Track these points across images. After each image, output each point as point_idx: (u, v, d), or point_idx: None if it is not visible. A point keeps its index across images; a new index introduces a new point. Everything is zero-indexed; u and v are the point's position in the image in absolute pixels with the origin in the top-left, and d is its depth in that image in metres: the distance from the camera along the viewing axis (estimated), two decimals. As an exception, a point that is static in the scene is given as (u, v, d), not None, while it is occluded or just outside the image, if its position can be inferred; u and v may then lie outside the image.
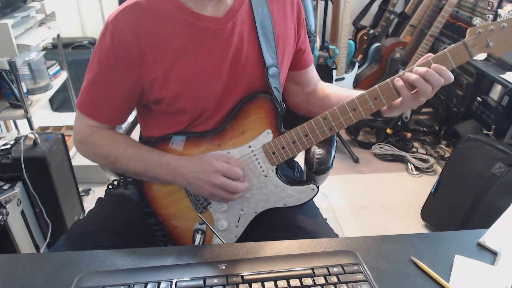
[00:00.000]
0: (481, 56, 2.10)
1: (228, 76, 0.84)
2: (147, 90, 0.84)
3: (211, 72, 0.83)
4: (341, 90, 0.98)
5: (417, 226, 2.00)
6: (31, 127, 1.82)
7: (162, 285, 0.61)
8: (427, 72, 0.74)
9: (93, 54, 0.83)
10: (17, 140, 1.59)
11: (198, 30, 0.81)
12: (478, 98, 2.32)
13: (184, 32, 0.81)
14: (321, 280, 0.62)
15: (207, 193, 0.83)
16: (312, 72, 1.04)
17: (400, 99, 0.80)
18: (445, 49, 0.75)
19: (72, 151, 2.19)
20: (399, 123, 2.61)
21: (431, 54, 0.77)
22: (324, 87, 1.03)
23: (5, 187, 1.49)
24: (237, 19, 0.83)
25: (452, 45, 0.76)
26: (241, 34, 0.84)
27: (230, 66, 0.84)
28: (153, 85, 0.83)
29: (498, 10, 2.09)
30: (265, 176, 0.87)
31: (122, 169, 0.88)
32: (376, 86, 0.79)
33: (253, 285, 0.61)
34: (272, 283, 0.62)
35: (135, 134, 1.10)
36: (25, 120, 1.81)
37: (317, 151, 1.05)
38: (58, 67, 2.21)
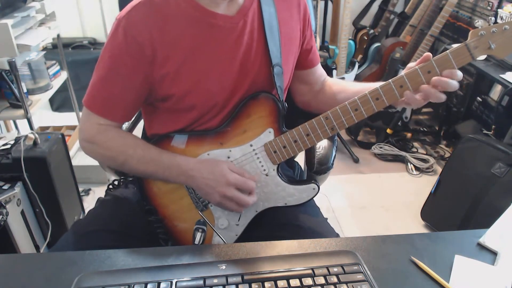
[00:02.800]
0: (481, 56, 2.10)
1: (238, 74, 0.85)
2: (157, 86, 0.84)
3: (221, 70, 0.83)
4: (348, 86, 0.99)
5: (417, 226, 2.00)
6: (31, 127, 1.82)
7: (162, 285, 0.61)
8: (440, 80, 0.75)
9: (103, 51, 0.83)
10: (17, 140, 1.59)
11: (210, 28, 0.81)
12: (478, 98, 2.32)
13: (196, 29, 0.81)
14: (321, 280, 0.62)
15: (216, 202, 0.84)
16: (319, 70, 1.05)
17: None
18: (447, 51, 0.76)
19: (72, 151, 2.19)
20: (399, 123, 2.61)
21: (430, 54, 0.77)
22: (332, 84, 1.04)
23: (5, 187, 1.49)
24: (248, 18, 0.84)
25: (454, 47, 0.76)
26: (251, 33, 0.84)
27: (240, 64, 0.84)
28: (163, 81, 0.83)
29: (498, 10, 2.09)
30: (266, 175, 0.87)
31: (131, 171, 0.88)
32: (378, 86, 0.79)
33: (253, 285, 0.61)
34: (272, 283, 0.62)
35: (137, 133, 1.10)
36: (25, 120, 1.80)
37: (318, 151, 1.05)
38: (58, 67, 2.21)
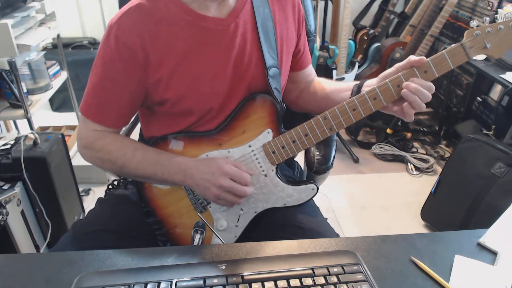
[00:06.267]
0: (481, 56, 2.10)
1: (231, 77, 0.84)
2: (152, 91, 0.84)
3: (214, 73, 0.83)
4: (327, 85, 0.99)
5: (417, 226, 2.00)
6: (31, 127, 1.82)
7: (162, 285, 0.61)
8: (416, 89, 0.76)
9: (96, 57, 0.83)
10: (17, 140, 1.59)
11: (201, 31, 0.81)
12: (478, 98, 2.32)
13: (187, 33, 0.81)
14: (321, 280, 0.62)
15: (214, 196, 0.82)
16: (308, 71, 1.04)
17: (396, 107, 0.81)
18: (443, 50, 0.76)
19: (72, 151, 2.19)
20: (399, 123, 2.61)
21: (413, 56, 0.78)
22: (315, 83, 1.04)
23: (5, 187, 1.49)
24: (240, 20, 0.84)
25: (450, 47, 0.76)
26: (243, 35, 0.84)
27: (234, 67, 0.84)
28: (157, 86, 0.83)
29: (498, 10, 2.09)
30: (265, 176, 0.87)
31: (130, 174, 0.88)
32: (375, 86, 0.80)
33: (253, 285, 0.61)
34: (272, 283, 0.62)
35: (135, 135, 1.10)
36: (25, 120, 1.80)
37: (317, 151, 1.05)
38: (58, 67, 2.21)
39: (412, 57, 0.78)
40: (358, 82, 0.89)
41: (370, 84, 0.85)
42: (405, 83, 0.77)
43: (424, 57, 0.77)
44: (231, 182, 0.81)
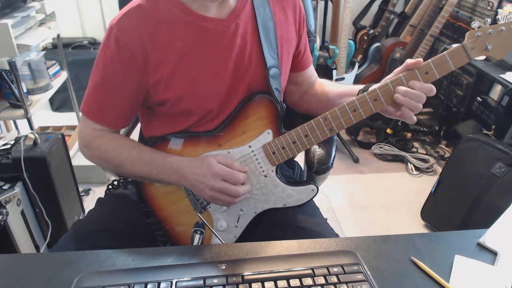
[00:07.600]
0: (481, 56, 2.10)
1: (231, 77, 0.84)
2: (151, 92, 0.84)
3: (214, 73, 0.83)
4: (331, 88, 0.99)
5: (417, 226, 2.00)
6: (31, 127, 1.82)
7: (162, 285, 0.61)
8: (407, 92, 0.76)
9: (97, 58, 0.83)
10: (17, 140, 1.59)
11: (201, 32, 0.81)
12: (478, 98, 2.32)
13: (187, 33, 0.81)
14: (321, 280, 0.62)
15: (209, 197, 0.83)
16: (310, 72, 1.04)
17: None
18: (444, 52, 0.76)
19: (72, 151, 2.19)
20: (399, 123, 2.61)
21: (410, 60, 0.77)
22: (319, 85, 1.03)
23: (5, 187, 1.49)
24: (240, 20, 0.84)
25: (451, 48, 0.76)
26: (244, 35, 0.84)
27: (234, 67, 0.84)
28: (157, 87, 0.83)
29: (498, 10, 2.09)
30: (265, 176, 0.87)
31: (127, 173, 0.88)
32: (376, 87, 0.79)
33: (253, 285, 0.61)
34: (272, 283, 0.62)
35: (135, 135, 1.10)
36: (25, 120, 1.80)
37: (318, 151, 1.05)
38: (58, 67, 2.21)
39: (409, 60, 0.77)
40: (363, 86, 0.88)
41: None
42: (397, 87, 0.77)
43: (421, 59, 0.77)
44: (223, 183, 0.81)
